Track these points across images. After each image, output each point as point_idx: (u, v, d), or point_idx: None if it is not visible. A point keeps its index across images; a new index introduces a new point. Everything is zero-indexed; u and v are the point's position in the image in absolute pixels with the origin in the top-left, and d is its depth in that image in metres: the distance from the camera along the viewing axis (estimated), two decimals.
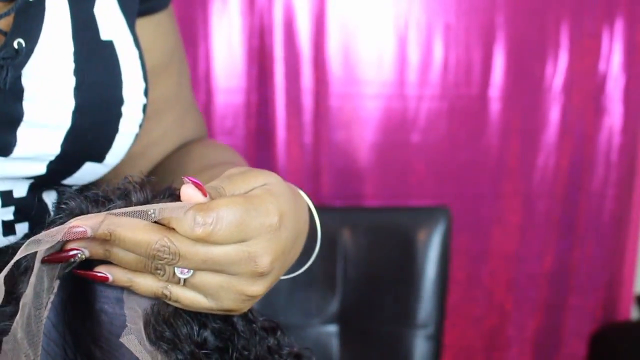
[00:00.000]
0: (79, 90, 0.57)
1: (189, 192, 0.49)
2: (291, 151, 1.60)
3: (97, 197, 0.52)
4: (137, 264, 0.49)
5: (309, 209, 0.61)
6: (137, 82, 0.63)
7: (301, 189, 0.61)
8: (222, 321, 0.54)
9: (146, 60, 0.66)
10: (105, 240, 0.48)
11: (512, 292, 1.74)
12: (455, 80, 1.63)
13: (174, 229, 0.48)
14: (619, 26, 1.63)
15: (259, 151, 1.61)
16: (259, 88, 1.58)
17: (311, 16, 1.57)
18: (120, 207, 0.50)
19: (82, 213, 0.50)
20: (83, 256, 0.49)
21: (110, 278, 0.51)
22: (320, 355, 1.42)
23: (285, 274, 0.57)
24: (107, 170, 0.64)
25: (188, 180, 0.49)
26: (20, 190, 0.59)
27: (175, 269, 0.49)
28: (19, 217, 0.59)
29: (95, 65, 0.59)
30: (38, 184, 0.60)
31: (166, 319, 0.52)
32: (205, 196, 0.49)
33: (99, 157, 0.61)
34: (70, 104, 0.57)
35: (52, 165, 0.58)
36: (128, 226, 0.48)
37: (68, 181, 0.61)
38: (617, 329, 1.74)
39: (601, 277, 1.75)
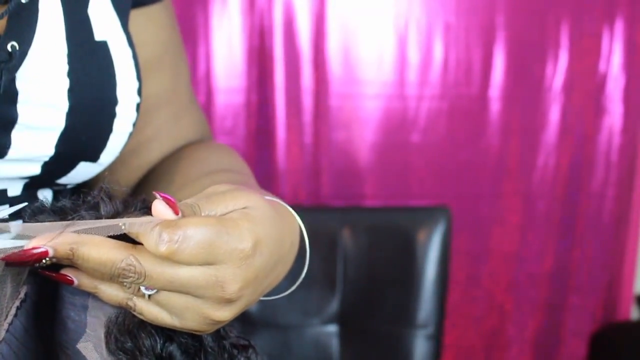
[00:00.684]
0: (73, 92, 0.57)
1: (159, 208, 0.47)
2: (291, 151, 1.60)
3: (64, 209, 0.50)
4: (102, 275, 0.48)
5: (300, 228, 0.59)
6: (131, 82, 0.62)
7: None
8: (190, 336, 0.52)
9: (138, 55, 0.65)
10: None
11: (512, 292, 1.74)
12: (455, 80, 1.63)
13: (142, 244, 0.47)
14: (619, 26, 1.63)
15: (259, 151, 1.61)
16: (259, 88, 1.58)
17: (311, 16, 1.57)
18: (87, 219, 0.48)
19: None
20: (49, 261, 0.47)
21: (76, 282, 0.49)
22: (320, 355, 1.42)
23: (266, 296, 0.55)
24: (102, 169, 0.64)
25: (159, 196, 0.47)
26: (15, 189, 0.59)
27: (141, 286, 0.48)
28: (12, 215, 0.59)
29: (89, 67, 0.58)
30: (32, 184, 0.60)
31: (129, 330, 0.50)
32: (177, 214, 0.47)
33: (94, 157, 0.61)
34: (65, 105, 0.56)
35: (46, 166, 0.58)
36: (92, 244, 0.46)
37: (62, 180, 0.61)
38: (617, 329, 1.74)
39: (601, 277, 1.75)
